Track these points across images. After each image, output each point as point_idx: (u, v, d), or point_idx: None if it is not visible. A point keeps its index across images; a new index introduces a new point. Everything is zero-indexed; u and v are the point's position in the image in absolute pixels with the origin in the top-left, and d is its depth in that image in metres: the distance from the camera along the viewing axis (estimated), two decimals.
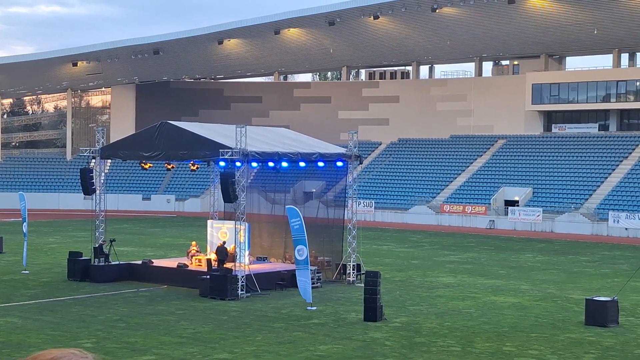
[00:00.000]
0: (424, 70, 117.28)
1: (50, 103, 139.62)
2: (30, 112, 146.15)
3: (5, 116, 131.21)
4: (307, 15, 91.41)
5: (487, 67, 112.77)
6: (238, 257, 41.20)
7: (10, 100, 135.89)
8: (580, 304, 36.43)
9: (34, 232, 63.66)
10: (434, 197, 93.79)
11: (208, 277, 40.54)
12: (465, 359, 27.58)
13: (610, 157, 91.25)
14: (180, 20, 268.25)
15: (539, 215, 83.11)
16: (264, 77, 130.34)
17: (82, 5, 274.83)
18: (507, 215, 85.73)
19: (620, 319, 33.99)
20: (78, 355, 3.36)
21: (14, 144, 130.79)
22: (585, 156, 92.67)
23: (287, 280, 42.47)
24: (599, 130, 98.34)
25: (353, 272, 45.50)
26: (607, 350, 29.19)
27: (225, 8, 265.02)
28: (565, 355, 28.21)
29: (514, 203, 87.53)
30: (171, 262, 47.18)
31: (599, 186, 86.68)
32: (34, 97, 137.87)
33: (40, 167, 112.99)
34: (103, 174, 49.50)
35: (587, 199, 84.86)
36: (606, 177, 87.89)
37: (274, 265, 46.64)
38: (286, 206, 42.80)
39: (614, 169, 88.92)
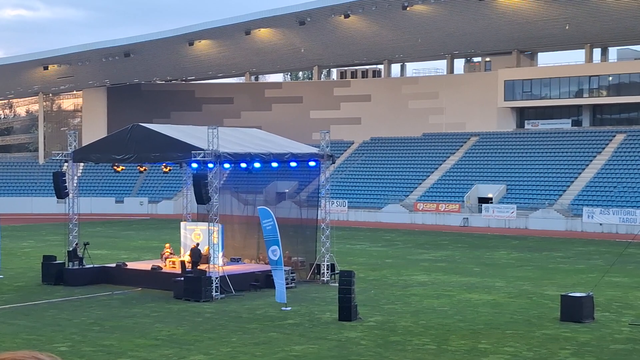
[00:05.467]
0: (395, 68, 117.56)
1: (22, 107, 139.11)
2: (2, 116, 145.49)
3: None
4: (278, 15, 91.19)
5: (459, 64, 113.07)
6: (212, 258, 41.13)
7: None
8: (555, 300, 36.47)
9: (7, 236, 63.23)
10: (407, 196, 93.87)
11: (182, 279, 40.43)
12: (440, 357, 27.54)
13: (583, 152, 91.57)
14: (147, 23, 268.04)
15: (512, 212, 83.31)
16: (235, 78, 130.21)
17: (47, 9, 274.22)
18: (481, 212, 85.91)
19: (596, 314, 34.04)
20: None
21: None
22: (558, 152, 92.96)
23: (261, 281, 42.40)
24: (572, 125, 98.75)
25: (327, 272, 45.48)
26: (583, 345, 29.21)
27: (192, 10, 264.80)
28: (541, 352, 28.21)
29: (487, 200, 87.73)
30: (145, 265, 46.94)
31: (572, 182, 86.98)
32: (5, 101, 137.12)
33: (12, 171, 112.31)
34: (76, 177, 49.36)
35: (561, 195, 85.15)
36: (580, 173, 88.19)
37: (248, 267, 46.52)
38: (257, 207, 42.71)
39: (587, 165, 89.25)
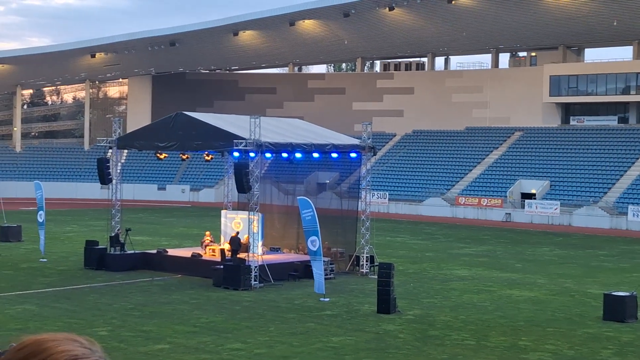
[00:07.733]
0: (439, 61, 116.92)
1: (69, 94, 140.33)
2: (50, 102, 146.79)
3: (25, 107, 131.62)
4: (322, 7, 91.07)
5: (504, 58, 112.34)
6: (251, 247, 41.14)
7: (31, 91, 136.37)
8: (598, 298, 36.02)
9: (51, 220, 63.84)
10: (449, 189, 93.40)
11: (222, 267, 40.51)
12: (479, 353, 27.32)
13: (629, 150, 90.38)
14: (192, 13, 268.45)
15: (556, 209, 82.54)
16: (278, 69, 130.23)
17: None
18: (524, 208, 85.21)
19: (639, 314, 33.63)
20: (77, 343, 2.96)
21: (33, 134, 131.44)
22: (604, 149, 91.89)
23: (300, 271, 42.36)
24: (618, 122, 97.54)
25: (366, 264, 45.38)
26: (625, 345, 28.87)
27: (237, 0, 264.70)
28: (582, 351, 27.90)
29: (530, 196, 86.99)
30: (185, 252, 47.20)
31: (618, 179, 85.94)
32: (53, 88, 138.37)
33: (58, 157, 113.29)
34: (119, 164, 49.55)
35: (605, 193, 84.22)
36: (625, 171, 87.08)
37: (287, 256, 46.54)
38: (297, 197, 42.67)
39: (633, 162, 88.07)
